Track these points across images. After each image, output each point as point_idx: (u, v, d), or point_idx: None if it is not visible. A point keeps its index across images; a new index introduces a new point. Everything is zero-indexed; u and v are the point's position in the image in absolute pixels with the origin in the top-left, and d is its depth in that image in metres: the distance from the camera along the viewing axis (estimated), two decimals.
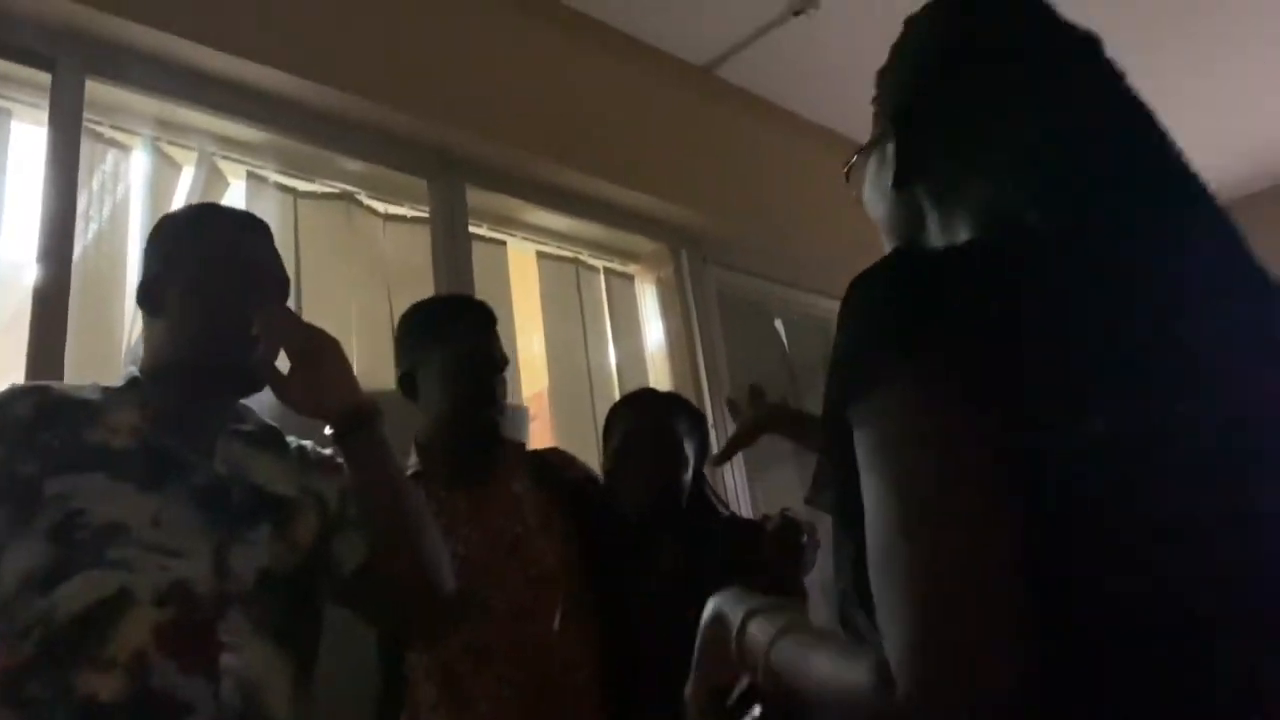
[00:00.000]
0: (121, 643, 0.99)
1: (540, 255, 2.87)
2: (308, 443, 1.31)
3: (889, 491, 0.59)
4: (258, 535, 1.13)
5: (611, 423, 1.92)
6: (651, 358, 3.09)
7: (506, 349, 1.83)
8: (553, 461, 1.88)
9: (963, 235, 0.75)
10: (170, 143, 2.14)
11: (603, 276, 3.04)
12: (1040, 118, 0.74)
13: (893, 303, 0.65)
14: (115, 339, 1.96)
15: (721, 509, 1.93)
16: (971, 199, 0.75)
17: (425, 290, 2.38)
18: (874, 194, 0.86)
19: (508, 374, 1.81)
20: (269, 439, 1.27)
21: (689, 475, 1.86)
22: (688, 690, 0.80)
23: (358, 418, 1.18)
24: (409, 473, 1.74)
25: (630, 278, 3.16)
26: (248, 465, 1.19)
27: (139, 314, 1.35)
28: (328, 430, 1.19)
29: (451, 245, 2.49)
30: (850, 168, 0.88)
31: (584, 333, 2.86)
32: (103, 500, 1.05)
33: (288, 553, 1.15)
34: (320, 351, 1.20)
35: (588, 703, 1.66)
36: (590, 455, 1.96)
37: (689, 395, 2.91)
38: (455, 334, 1.77)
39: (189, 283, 1.22)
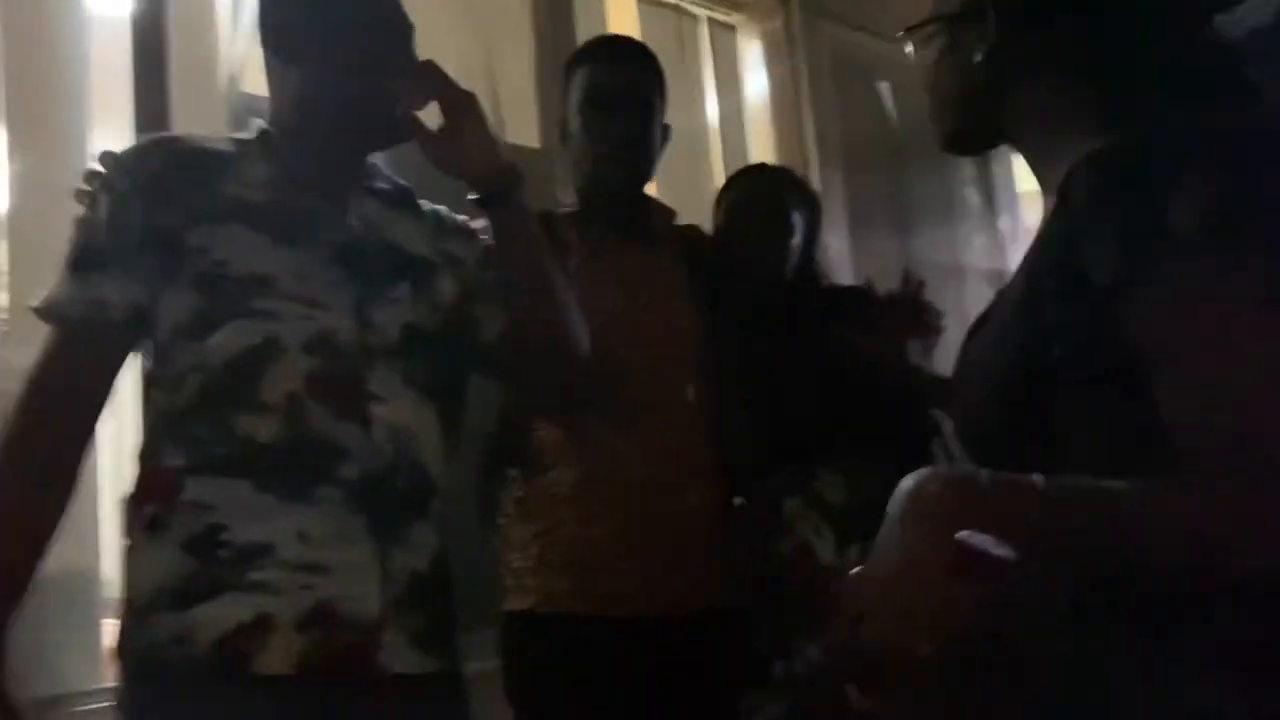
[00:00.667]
0: (274, 388, 1.00)
1: (641, 2, 2.71)
2: (442, 208, 1.28)
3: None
4: (398, 293, 1.12)
5: (721, 195, 1.88)
6: (753, 118, 2.96)
7: None
8: (694, 237, 1.83)
9: (1087, 124, 0.76)
10: None
11: (706, 26, 2.88)
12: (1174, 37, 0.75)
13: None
14: (214, 74, 1.95)
15: (825, 280, 1.90)
16: (1102, 97, 0.77)
17: (523, 41, 2.28)
18: (953, 63, 0.84)
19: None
20: (403, 199, 1.23)
21: (795, 244, 1.82)
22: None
23: (503, 181, 1.16)
24: (565, 211, 1.67)
25: (733, 29, 2.98)
26: (383, 223, 1.17)
27: (243, 50, 1.27)
28: (470, 195, 1.16)
29: None
30: (918, 28, 0.86)
31: (686, 87, 2.74)
32: (243, 251, 1.04)
33: (429, 312, 1.15)
34: (468, 110, 1.15)
35: (713, 492, 1.60)
36: (685, 213, 1.92)
37: (794, 159, 2.81)
38: (589, 65, 1.64)
39: (328, 29, 1.14)
